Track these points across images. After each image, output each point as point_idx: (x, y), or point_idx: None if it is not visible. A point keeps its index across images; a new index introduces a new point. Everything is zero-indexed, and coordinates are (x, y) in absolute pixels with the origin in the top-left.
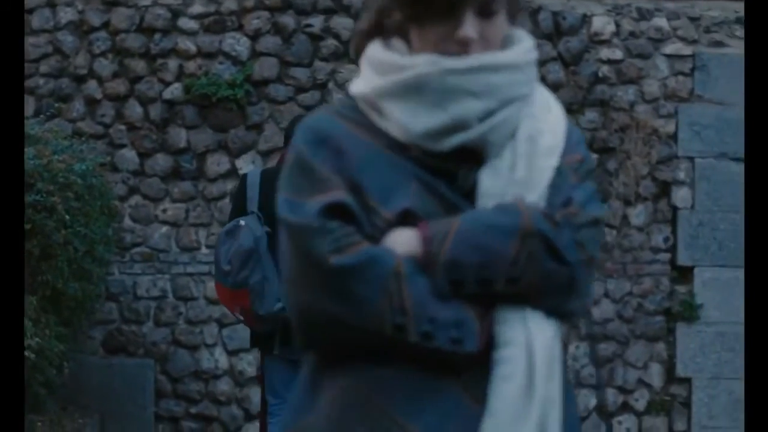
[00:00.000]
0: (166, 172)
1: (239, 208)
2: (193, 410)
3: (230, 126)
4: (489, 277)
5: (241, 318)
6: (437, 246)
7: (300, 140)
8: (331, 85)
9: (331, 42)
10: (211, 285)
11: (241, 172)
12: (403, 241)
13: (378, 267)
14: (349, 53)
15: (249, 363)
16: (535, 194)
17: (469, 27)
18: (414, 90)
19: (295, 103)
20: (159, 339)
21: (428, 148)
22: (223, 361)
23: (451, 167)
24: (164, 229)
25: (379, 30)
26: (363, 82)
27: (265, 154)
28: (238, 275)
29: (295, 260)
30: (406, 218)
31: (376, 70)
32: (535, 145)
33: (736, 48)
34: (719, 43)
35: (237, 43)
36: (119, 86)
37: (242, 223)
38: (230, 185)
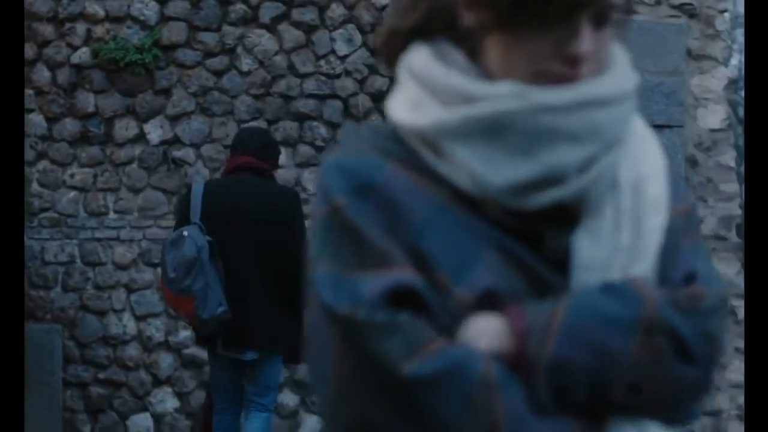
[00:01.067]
0: (74, 137)
1: (184, 218)
2: (101, 375)
3: (138, 90)
4: (604, 382)
5: (187, 320)
6: (538, 343)
7: (334, 187)
8: (239, 50)
9: (239, 6)
10: (119, 250)
11: (149, 136)
12: (488, 333)
13: (463, 375)
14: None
15: (157, 328)
16: (645, 264)
17: (587, 40)
18: (493, 130)
19: (204, 68)
20: (67, 304)
21: (509, 205)
22: (131, 326)
23: (536, 228)
24: (72, 194)
25: (429, 27)
26: (411, 108)
27: (173, 119)
28: (182, 283)
29: (346, 362)
30: (488, 299)
31: (434, 94)
32: (640, 198)
33: (645, 15)
34: None
35: (145, 8)
36: (27, 50)
37: (185, 233)
38: (138, 150)
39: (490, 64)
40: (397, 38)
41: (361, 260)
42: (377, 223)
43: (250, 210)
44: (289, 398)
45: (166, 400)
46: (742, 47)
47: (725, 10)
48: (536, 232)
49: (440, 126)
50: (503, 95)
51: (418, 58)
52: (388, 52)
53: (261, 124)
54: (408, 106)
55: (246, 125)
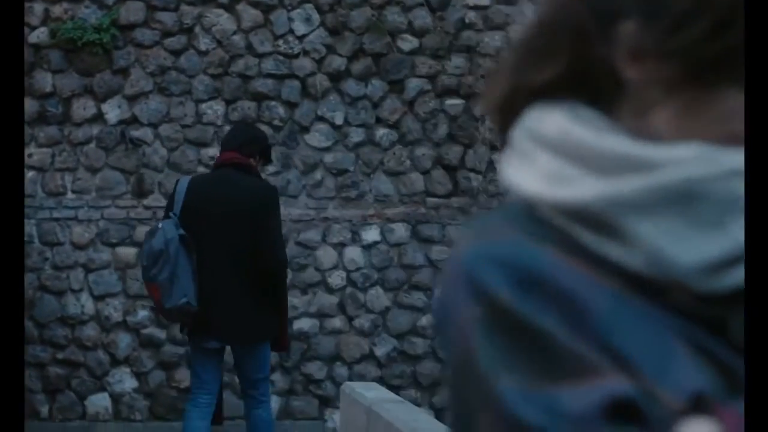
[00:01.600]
0: (32, 117)
1: (169, 211)
2: (59, 356)
3: (96, 70)
4: None
5: (156, 307)
6: None
7: (490, 282)
8: (197, 29)
9: None
10: (77, 230)
11: (107, 116)
12: None
13: None
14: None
15: (115, 308)
16: None
17: None
18: (680, 201)
19: (162, 47)
20: (25, 284)
21: (697, 288)
22: (89, 306)
23: (718, 313)
24: (30, 174)
25: (558, 84)
26: (550, 182)
27: (131, 99)
28: (150, 272)
29: None
30: (696, 401)
31: (583, 163)
32: None
33: None
34: None
35: None
36: None
37: (159, 225)
38: (96, 130)
39: (657, 125)
40: (520, 98)
41: (555, 368)
42: (557, 320)
43: (225, 204)
44: None
45: (124, 380)
46: None
47: None
48: (719, 318)
49: (612, 199)
50: (690, 159)
51: (550, 122)
52: (505, 115)
53: (219, 103)
54: (545, 179)
55: (238, 121)
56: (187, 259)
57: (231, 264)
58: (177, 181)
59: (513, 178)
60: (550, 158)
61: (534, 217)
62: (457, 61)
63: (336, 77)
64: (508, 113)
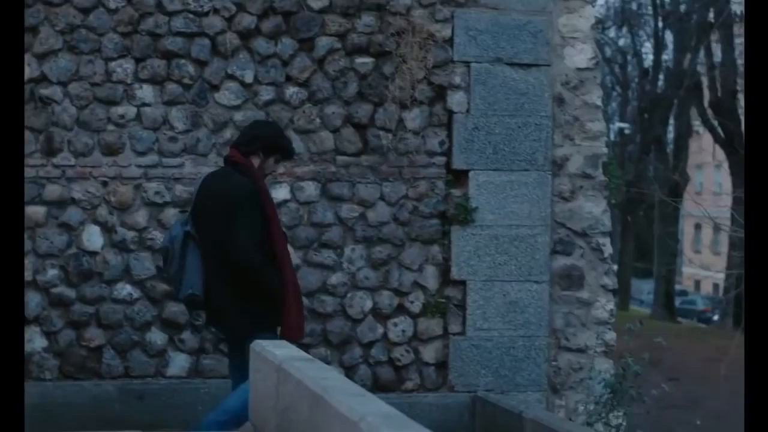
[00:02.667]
0: None
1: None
2: None
3: None
4: None
5: None
6: None
7: None
8: None
9: None
10: None
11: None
12: None
13: None
14: None
15: (25, 267)
16: None
17: None
18: None
19: (71, 5)
20: None
21: None
22: None
23: None
24: None
25: None
26: None
27: (41, 57)
28: (163, 267)
29: None
30: None
31: None
32: None
33: None
34: None
35: None
36: None
37: (172, 222)
38: None
39: None
40: None
41: None
42: None
43: (212, 201)
44: (157, 336)
45: (34, 340)
46: None
47: None
48: None
49: None
50: None
51: None
52: None
53: (129, 62)
54: None
55: (255, 119)
56: (195, 253)
57: (216, 259)
58: (200, 177)
59: None
60: None
61: None
62: (367, 20)
63: (246, 35)
64: None
